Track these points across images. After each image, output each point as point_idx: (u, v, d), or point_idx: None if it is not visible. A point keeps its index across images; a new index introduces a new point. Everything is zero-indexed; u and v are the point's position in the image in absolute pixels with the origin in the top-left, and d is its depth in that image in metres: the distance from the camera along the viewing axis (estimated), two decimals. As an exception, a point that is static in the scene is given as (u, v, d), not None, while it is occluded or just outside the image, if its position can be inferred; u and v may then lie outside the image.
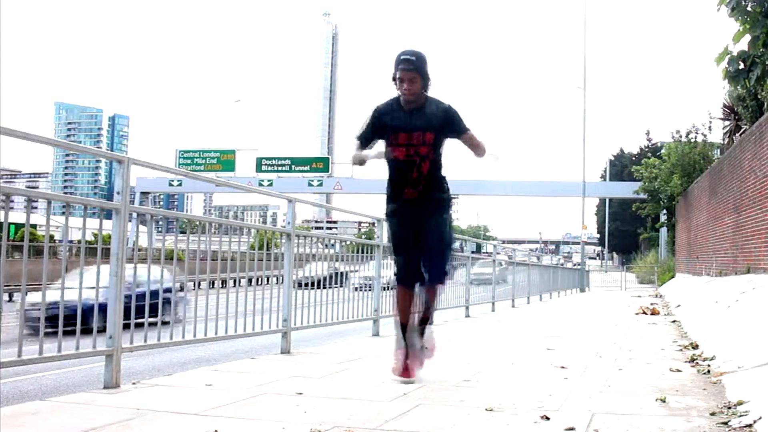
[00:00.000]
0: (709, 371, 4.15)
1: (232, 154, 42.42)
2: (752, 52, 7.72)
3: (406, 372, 3.87)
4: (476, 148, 4.05)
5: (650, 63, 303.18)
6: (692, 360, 4.75)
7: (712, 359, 4.57)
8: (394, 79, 3.90)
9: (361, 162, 4.05)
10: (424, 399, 3.29)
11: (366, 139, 4.02)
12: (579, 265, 33.93)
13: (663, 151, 27.76)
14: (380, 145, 4.05)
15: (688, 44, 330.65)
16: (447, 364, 4.36)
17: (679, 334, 6.94)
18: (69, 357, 3.51)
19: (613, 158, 57.12)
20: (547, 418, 2.82)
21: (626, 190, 35.60)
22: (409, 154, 3.90)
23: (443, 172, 4.06)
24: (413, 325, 3.99)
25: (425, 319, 4.04)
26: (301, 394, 3.37)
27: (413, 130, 3.88)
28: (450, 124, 3.96)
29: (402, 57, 3.83)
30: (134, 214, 4.10)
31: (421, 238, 3.97)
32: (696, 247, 17.67)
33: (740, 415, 2.80)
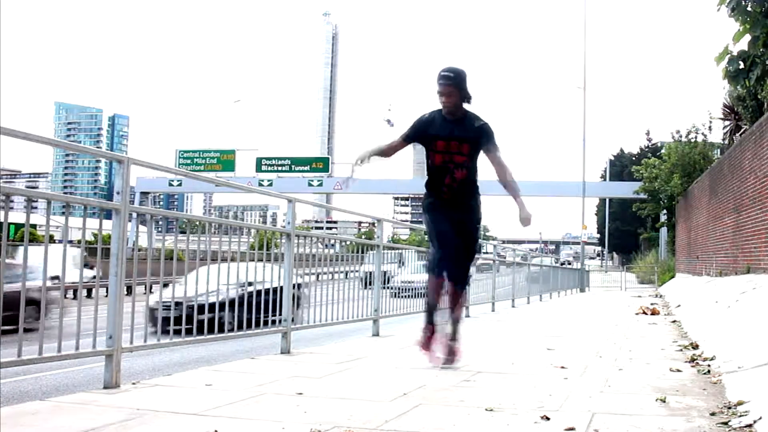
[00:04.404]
0: (709, 371, 4.15)
1: (232, 154, 42.41)
2: (752, 52, 7.72)
3: (426, 346, 4.38)
4: (502, 169, 4.46)
5: (650, 63, 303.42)
6: (692, 360, 4.75)
7: (712, 359, 4.57)
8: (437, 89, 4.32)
9: (362, 160, 4.48)
10: (424, 399, 3.29)
11: (407, 138, 4.47)
12: (566, 263, 33.97)
13: (663, 151, 27.75)
14: (376, 155, 4.53)
15: (688, 44, 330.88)
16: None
17: (679, 334, 6.93)
18: (69, 357, 3.51)
19: (613, 158, 57.04)
20: (547, 418, 2.82)
21: (626, 190, 35.58)
22: (444, 161, 4.33)
23: (477, 183, 4.48)
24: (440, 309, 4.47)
25: (456, 320, 4.46)
26: (301, 394, 3.37)
27: (451, 140, 4.30)
28: (484, 139, 4.37)
29: (442, 73, 4.28)
30: (134, 214, 4.10)
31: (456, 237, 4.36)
32: (696, 247, 17.67)
33: (740, 415, 2.80)
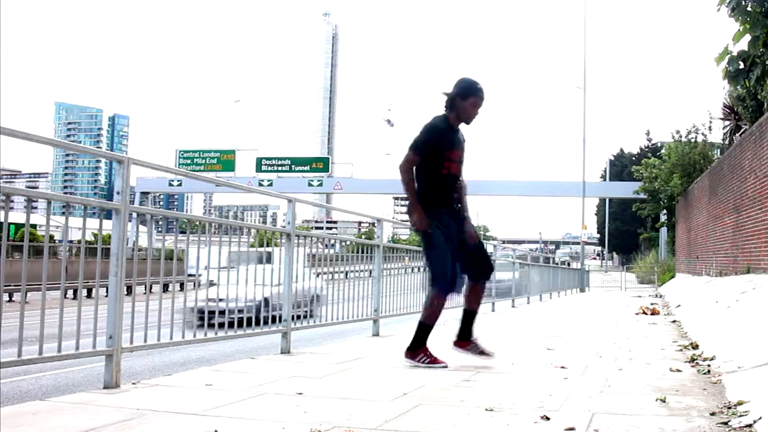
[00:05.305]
0: (709, 371, 4.15)
1: (232, 154, 42.44)
2: (752, 52, 7.71)
3: (434, 361, 4.37)
4: None
5: (650, 63, 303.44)
6: (692, 360, 4.75)
7: (712, 359, 4.57)
8: (461, 98, 4.31)
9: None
10: (424, 399, 3.29)
11: (420, 150, 4.35)
12: (562, 263, 34.04)
13: (663, 151, 27.78)
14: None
15: (688, 44, 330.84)
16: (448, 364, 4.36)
17: (679, 334, 6.94)
18: (69, 357, 3.50)
19: (613, 158, 57.07)
20: (547, 418, 2.82)
21: (626, 190, 35.62)
22: (459, 168, 4.47)
23: None
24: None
25: (475, 313, 4.68)
26: (301, 394, 3.37)
27: (462, 148, 4.47)
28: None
29: (480, 87, 4.38)
30: (134, 214, 4.10)
31: (469, 244, 4.42)
32: (696, 247, 17.67)
33: (740, 415, 2.80)
